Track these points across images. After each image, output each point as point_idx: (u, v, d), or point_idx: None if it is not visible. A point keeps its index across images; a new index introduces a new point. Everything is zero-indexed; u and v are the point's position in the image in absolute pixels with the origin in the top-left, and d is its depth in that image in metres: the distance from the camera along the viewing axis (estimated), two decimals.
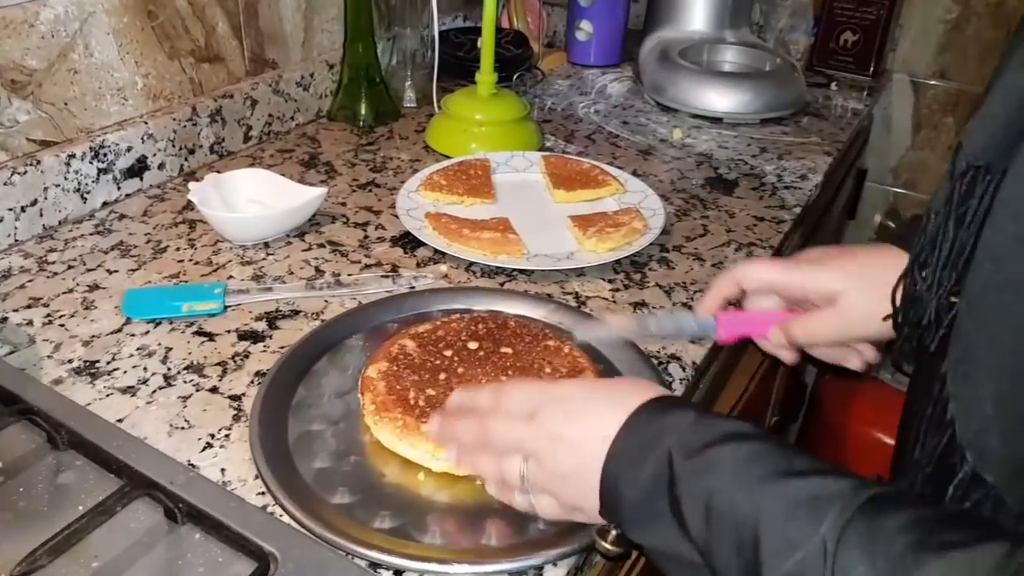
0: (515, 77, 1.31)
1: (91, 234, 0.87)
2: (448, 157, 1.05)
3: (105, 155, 0.90)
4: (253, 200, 0.90)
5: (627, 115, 1.28)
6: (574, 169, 1.00)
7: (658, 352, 0.74)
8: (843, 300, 0.60)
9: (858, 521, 0.37)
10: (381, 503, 0.57)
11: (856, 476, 0.41)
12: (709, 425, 0.46)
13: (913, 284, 0.50)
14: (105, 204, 0.92)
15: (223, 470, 0.59)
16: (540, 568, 0.53)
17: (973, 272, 0.42)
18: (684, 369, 0.73)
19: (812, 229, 1.24)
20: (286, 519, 0.55)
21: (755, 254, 0.92)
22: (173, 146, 0.98)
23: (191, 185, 0.86)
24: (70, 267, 0.81)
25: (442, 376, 0.67)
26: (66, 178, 0.87)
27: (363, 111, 1.17)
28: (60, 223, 0.88)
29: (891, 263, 0.57)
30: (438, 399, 0.64)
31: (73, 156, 0.87)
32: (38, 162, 0.83)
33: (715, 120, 1.25)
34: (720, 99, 1.23)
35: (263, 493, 0.57)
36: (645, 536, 0.48)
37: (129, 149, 0.93)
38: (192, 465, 0.59)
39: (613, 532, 0.50)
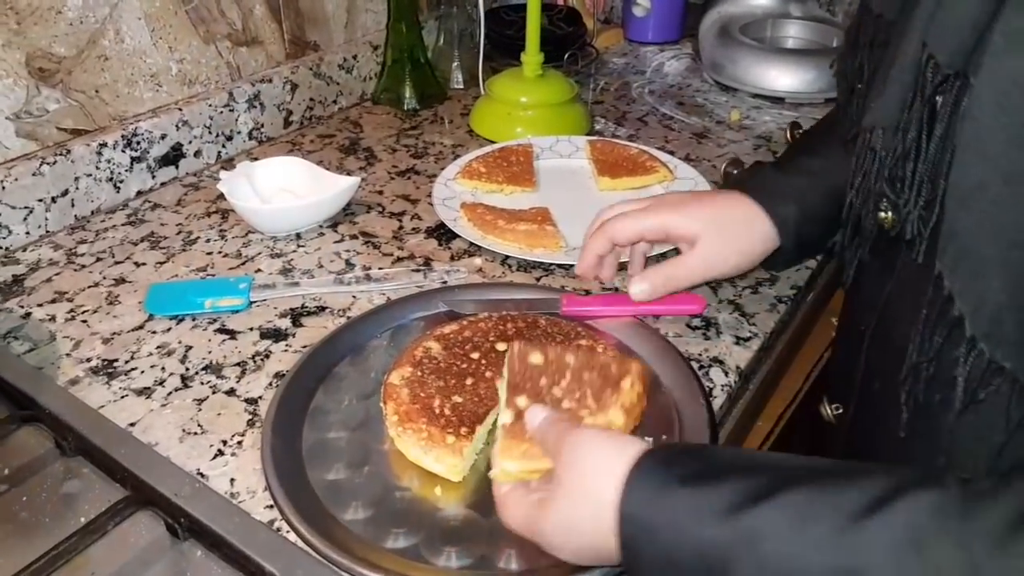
0: (566, 56, 1.24)
1: (123, 224, 0.85)
2: (492, 142, 1.00)
3: (139, 143, 0.89)
4: (286, 189, 0.86)
5: (683, 95, 1.20)
6: (621, 155, 0.94)
7: (699, 355, 0.68)
8: (702, 242, 0.66)
9: (975, 532, 0.34)
10: (395, 519, 0.53)
11: (900, 481, 0.37)
12: (717, 488, 0.40)
13: (878, 198, 0.52)
14: (139, 193, 0.91)
15: (232, 480, 0.56)
16: None
17: (959, 172, 0.43)
18: (727, 374, 0.66)
19: None
20: (292, 536, 0.51)
21: None
22: (209, 133, 0.96)
23: (221, 174, 0.84)
24: (99, 259, 0.80)
25: (469, 381, 0.62)
26: (98, 167, 0.85)
27: (407, 94, 1.13)
28: (93, 213, 0.87)
29: (738, 206, 0.66)
30: (464, 407, 0.59)
31: (105, 145, 0.85)
32: (68, 151, 0.82)
33: (776, 100, 1.16)
34: (782, 77, 1.14)
35: (271, 506, 0.54)
36: None
37: (163, 137, 0.91)
38: (201, 475, 0.56)
39: None
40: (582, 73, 1.27)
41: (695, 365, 0.66)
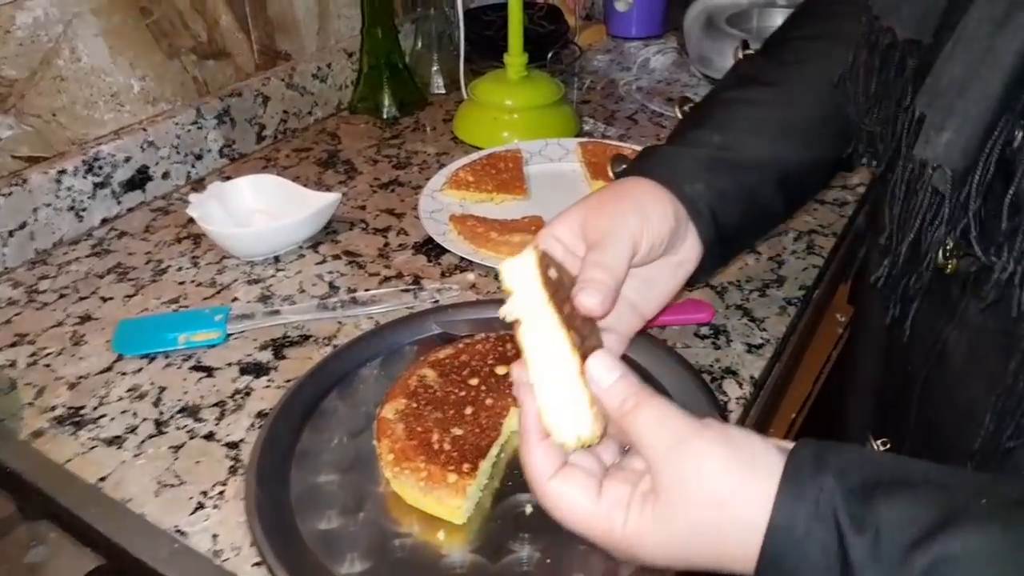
0: (549, 56, 1.20)
1: (87, 256, 0.80)
2: (478, 148, 0.96)
3: (101, 168, 0.83)
4: (261, 210, 0.81)
5: (671, 91, 1.16)
6: (614, 155, 0.89)
7: (711, 366, 0.64)
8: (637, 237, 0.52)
9: None
10: (396, 570, 0.48)
11: None
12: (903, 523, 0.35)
13: (937, 244, 0.46)
14: (105, 221, 0.85)
15: (215, 536, 0.51)
16: None
17: None
18: (741, 386, 0.62)
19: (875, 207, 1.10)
20: None
21: (816, 243, 0.80)
22: (177, 153, 0.91)
23: (191, 198, 0.78)
24: (62, 295, 0.74)
25: (468, 411, 0.57)
26: (58, 196, 0.80)
27: (386, 101, 1.08)
28: (55, 245, 0.81)
29: (639, 186, 0.54)
30: (466, 440, 0.54)
31: (64, 171, 0.80)
32: (25, 181, 0.76)
33: None
34: None
35: (259, 563, 0.49)
36: None
37: (128, 160, 0.86)
38: (180, 532, 0.51)
39: None
40: (566, 72, 1.22)
41: (707, 378, 0.62)
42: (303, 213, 0.77)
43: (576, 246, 0.53)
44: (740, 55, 0.97)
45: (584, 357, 0.47)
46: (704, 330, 0.68)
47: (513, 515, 0.52)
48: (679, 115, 0.94)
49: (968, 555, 0.34)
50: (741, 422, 0.62)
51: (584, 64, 1.26)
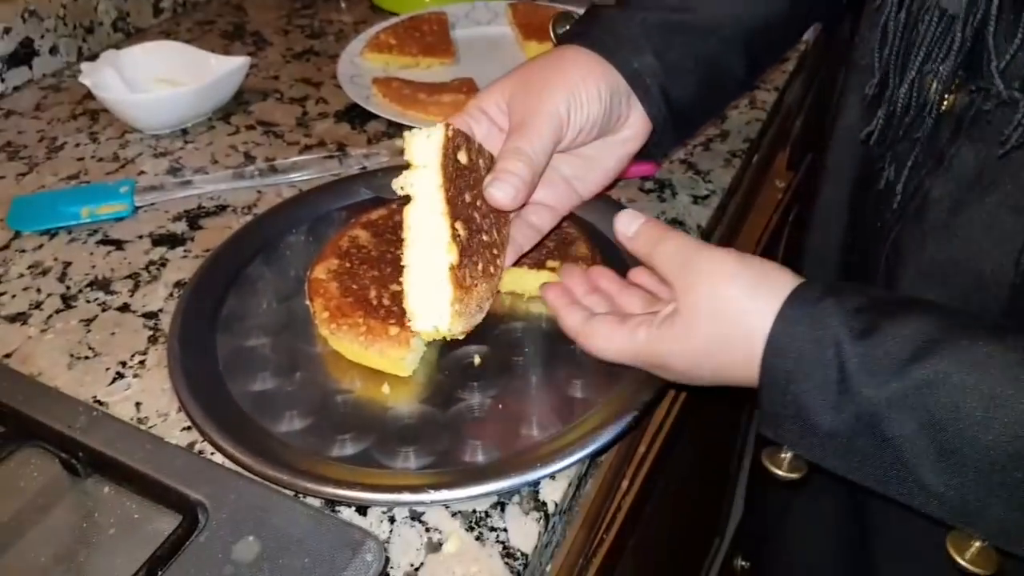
0: None
1: None
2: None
3: None
4: (163, 79, 0.74)
5: None
6: (547, 16, 0.85)
7: (657, 217, 0.62)
8: (562, 119, 0.48)
9: None
10: (339, 426, 0.46)
11: None
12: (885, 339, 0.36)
13: (946, 80, 0.43)
14: None
15: (138, 404, 0.47)
16: (535, 484, 0.43)
17: None
18: (688, 233, 0.61)
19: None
20: (219, 458, 0.44)
21: (759, 98, 0.78)
22: (65, 25, 0.82)
23: (83, 66, 0.71)
24: None
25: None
26: None
27: None
28: None
29: (582, 64, 0.49)
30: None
31: None
32: None
33: None
34: None
35: (189, 428, 0.46)
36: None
37: (7, 31, 0.77)
38: (98, 402, 0.47)
39: (786, 455, 0.42)
40: None
41: None
42: (208, 79, 0.71)
43: (503, 121, 0.50)
44: None
45: (492, 246, 0.45)
46: (648, 184, 0.66)
47: (461, 366, 0.50)
48: None
49: (965, 368, 0.34)
50: None
51: None
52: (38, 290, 0.55)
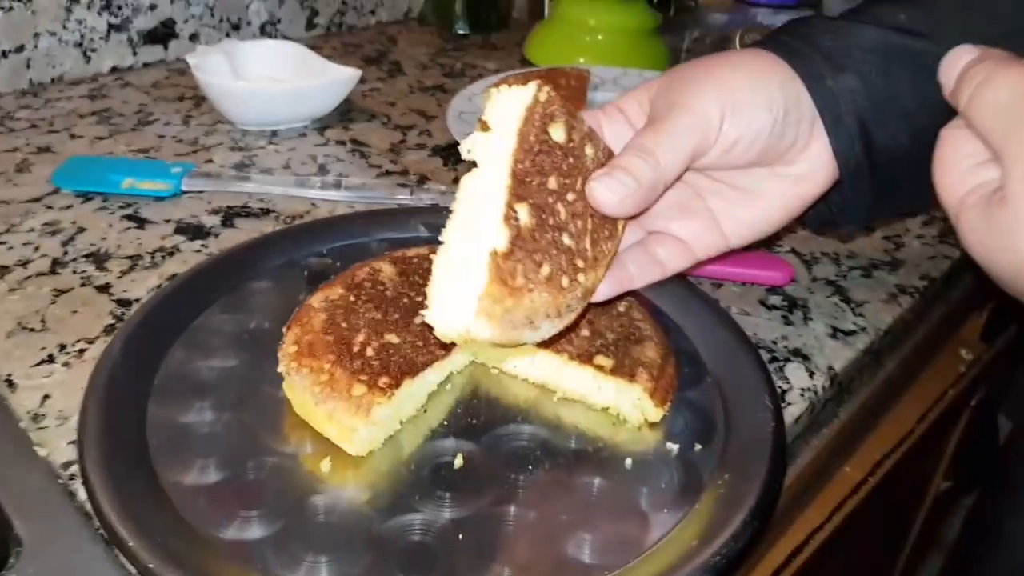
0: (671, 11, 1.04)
1: (81, 97, 0.71)
2: None
3: (119, 8, 0.74)
4: (272, 78, 0.70)
5: None
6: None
7: (772, 343, 0.47)
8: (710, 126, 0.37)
9: None
10: (249, 495, 0.35)
11: None
12: None
13: None
14: (115, 70, 0.76)
15: (46, 397, 0.39)
16: None
17: None
18: (812, 375, 0.45)
19: None
20: (82, 493, 0.34)
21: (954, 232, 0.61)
22: (212, 15, 0.81)
23: (198, 48, 0.68)
24: (34, 126, 0.65)
25: (418, 320, 0.43)
26: (65, 26, 0.71)
27: (459, 12, 0.95)
28: (53, 81, 0.72)
29: (757, 67, 0.37)
30: (398, 352, 0.40)
31: (76, 1, 0.71)
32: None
33: None
34: None
35: (73, 443, 0.36)
36: None
37: (153, 7, 0.76)
38: (8, 381, 0.39)
39: None
40: (675, 22, 1.06)
41: (764, 355, 0.45)
42: (313, 82, 0.65)
43: (641, 123, 0.38)
44: None
45: (575, 255, 0.33)
46: (775, 298, 0.51)
47: (433, 464, 0.37)
48: None
49: None
50: (805, 425, 0.45)
51: (700, 18, 1.10)
52: (36, 248, 0.50)
